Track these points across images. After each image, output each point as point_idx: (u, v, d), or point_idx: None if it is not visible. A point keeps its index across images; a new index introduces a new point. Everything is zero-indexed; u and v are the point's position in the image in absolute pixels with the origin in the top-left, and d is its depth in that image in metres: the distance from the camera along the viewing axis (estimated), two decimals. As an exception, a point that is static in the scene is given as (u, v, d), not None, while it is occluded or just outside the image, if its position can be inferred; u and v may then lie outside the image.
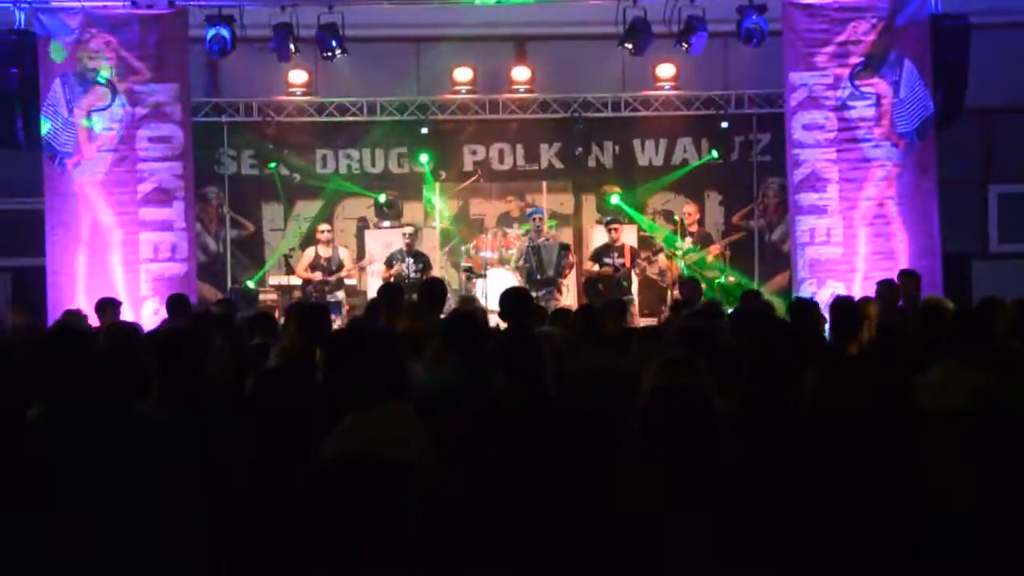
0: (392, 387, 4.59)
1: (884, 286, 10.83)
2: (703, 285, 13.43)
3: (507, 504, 4.14)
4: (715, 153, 15.74)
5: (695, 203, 15.58)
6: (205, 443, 4.42)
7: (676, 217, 15.29)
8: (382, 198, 15.74)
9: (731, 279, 14.91)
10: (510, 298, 7.28)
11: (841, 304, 7.54)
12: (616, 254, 14.44)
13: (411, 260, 14.23)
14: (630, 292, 14.47)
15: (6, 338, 9.05)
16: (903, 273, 11.35)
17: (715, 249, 15.00)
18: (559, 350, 6.60)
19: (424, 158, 15.59)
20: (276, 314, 11.71)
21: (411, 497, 3.03)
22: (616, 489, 3.76)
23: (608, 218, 15.09)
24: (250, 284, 15.10)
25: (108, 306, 10.61)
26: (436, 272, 14.72)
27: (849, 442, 3.82)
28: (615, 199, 15.55)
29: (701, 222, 15.39)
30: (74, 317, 10.09)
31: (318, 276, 14.25)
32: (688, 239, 14.89)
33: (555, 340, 6.91)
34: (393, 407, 4.51)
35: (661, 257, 15.16)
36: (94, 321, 10.35)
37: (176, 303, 10.13)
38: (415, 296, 13.31)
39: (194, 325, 7.68)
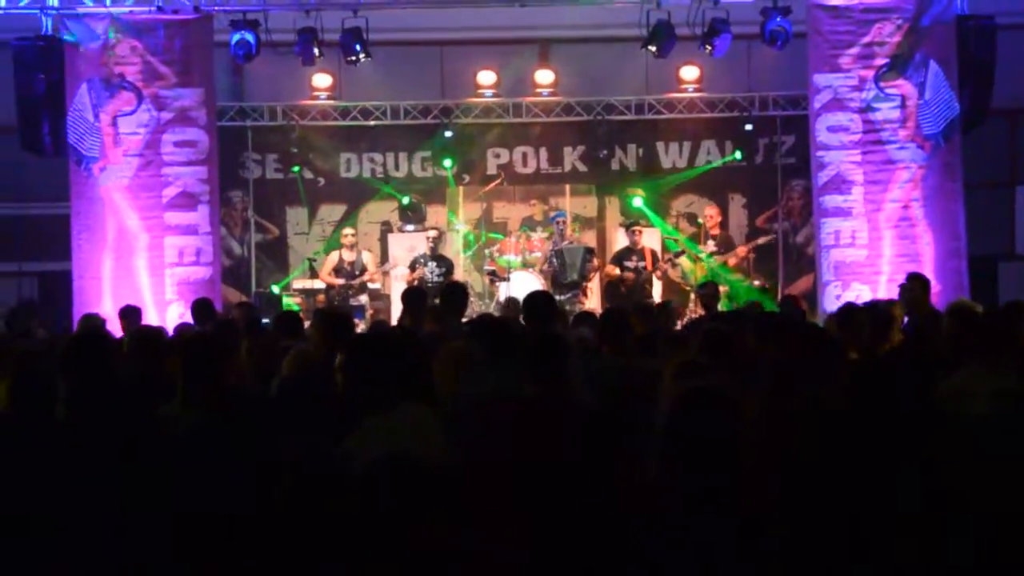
0: (413, 390, 4.67)
1: (905, 289, 10.77)
2: (724, 288, 13.41)
3: (530, 501, 4.17)
4: (739, 154, 15.74)
5: (717, 206, 15.58)
6: (231, 446, 4.43)
7: (699, 220, 15.28)
8: (406, 200, 15.82)
9: (756, 282, 14.89)
10: (535, 301, 7.33)
11: (871, 308, 7.54)
12: (636, 257, 14.44)
13: (434, 264, 14.29)
14: (651, 295, 14.45)
15: (34, 344, 9.10)
16: (910, 277, 11.27)
17: (741, 251, 14.98)
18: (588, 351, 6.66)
19: (447, 163, 15.66)
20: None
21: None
22: (638, 489, 3.77)
23: (629, 221, 15.09)
24: (275, 289, 15.17)
25: (129, 313, 10.67)
26: (459, 275, 14.79)
27: (872, 444, 3.83)
28: (637, 201, 15.57)
29: (723, 225, 15.38)
30: (92, 321, 10.13)
31: (341, 280, 14.36)
32: (710, 242, 14.88)
33: (589, 344, 6.97)
34: (413, 409, 4.58)
35: (684, 260, 15.15)
36: (113, 324, 10.40)
37: (201, 308, 10.19)
38: (438, 300, 13.41)
39: (218, 329, 7.73)
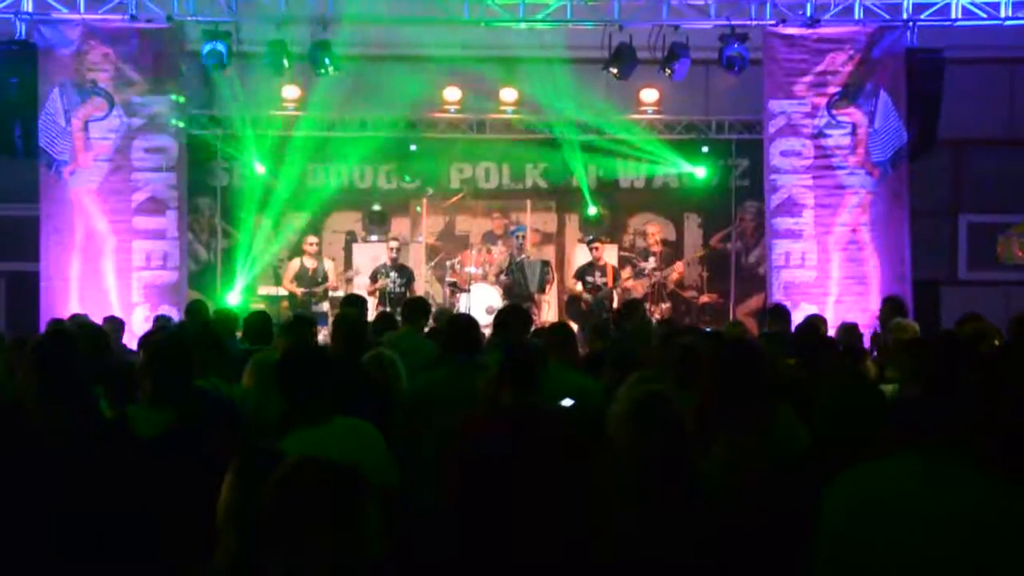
0: (341, 405, 4.76)
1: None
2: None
3: (504, 502, 4.43)
4: (704, 171, 16.02)
5: (669, 223, 15.97)
6: (199, 447, 4.55)
7: (652, 238, 15.57)
8: (376, 207, 16.09)
9: (705, 299, 15.24)
10: (509, 313, 7.53)
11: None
12: (598, 273, 14.72)
13: (395, 274, 14.51)
14: (611, 310, 14.72)
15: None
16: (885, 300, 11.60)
17: (679, 267, 15.27)
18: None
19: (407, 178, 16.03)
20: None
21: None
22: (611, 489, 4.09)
23: (590, 237, 15.39)
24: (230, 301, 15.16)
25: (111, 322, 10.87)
26: (421, 286, 15.04)
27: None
28: (592, 210, 15.92)
29: (671, 242, 15.64)
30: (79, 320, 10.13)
31: (303, 288, 14.55)
32: (652, 259, 15.14)
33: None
34: (341, 423, 4.65)
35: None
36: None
37: (194, 308, 10.34)
38: (399, 309, 13.79)
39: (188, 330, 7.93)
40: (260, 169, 15.76)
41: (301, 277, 14.64)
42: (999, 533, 3.18)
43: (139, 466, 4.42)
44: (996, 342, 6.91)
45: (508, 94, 15.74)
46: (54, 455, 4.41)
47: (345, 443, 4.47)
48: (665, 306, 14.61)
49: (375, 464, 4.43)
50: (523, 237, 15.33)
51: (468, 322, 6.37)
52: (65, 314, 12.05)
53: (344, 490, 2.89)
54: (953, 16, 13.43)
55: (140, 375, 5.22)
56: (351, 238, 16.51)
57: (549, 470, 4.44)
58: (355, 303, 9.42)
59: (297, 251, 15.52)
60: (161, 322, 11.07)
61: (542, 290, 14.84)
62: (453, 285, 15.03)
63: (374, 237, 16.09)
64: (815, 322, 9.45)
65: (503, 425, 4.73)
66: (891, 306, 10.79)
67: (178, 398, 4.93)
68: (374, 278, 14.58)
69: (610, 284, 14.69)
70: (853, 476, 3.42)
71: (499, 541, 4.39)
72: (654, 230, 15.57)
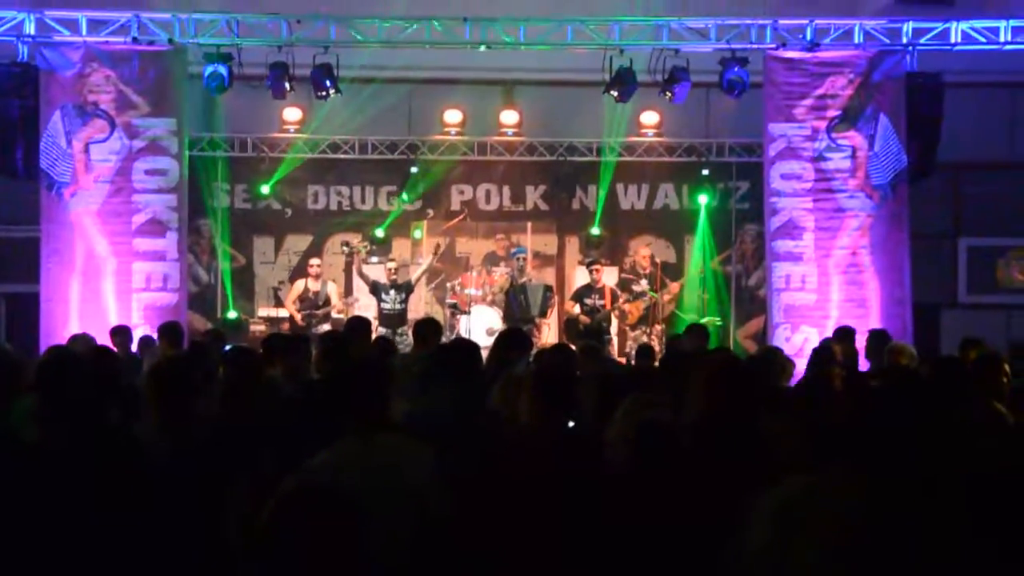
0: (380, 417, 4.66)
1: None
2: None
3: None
4: (707, 197, 16.02)
5: (666, 246, 16.07)
6: (202, 471, 4.54)
7: (655, 260, 15.55)
8: (380, 233, 16.11)
9: (705, 321, 15.22)
10: (511, 337, 7.51)
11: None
12: (596, 295, 14.68)
13: (394, 292, 14.50)
14: (609, 333, 14.72)
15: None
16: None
17: (674, 288, 15.23)
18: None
19: (405, 197, 16.02)
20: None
21: (367, 528, 2.96)
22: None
23: (589, 259, 15.39)
24: (231, 315, 15.31)
25: (121, 332, 10.94)
26: (420, 305, 15.02)
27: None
28: (596, 230, 15.98)
29: (668, 265, 15.63)
30: (86, 341, 10.13)
31: (306, 310, 14.53)
32: (643, 282, 15.10)
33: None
34: (390, 439, 4.50)
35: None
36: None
37: (170, 331, 10.35)
38: (399, 330, 13.76)
39: (192, 353, 7.91)
40: (262, 190, 15.85)
41: (303, 299, 14.63)
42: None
43: (145, 486, 4.41)
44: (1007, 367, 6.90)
45: (509, 116, 15.79)
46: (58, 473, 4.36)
47: (389, 458, 4.34)
48: (659, 327, 14.62)
49: (419, 484, 4.31)
50: (524, 259, 15.31)
51: (464, 346, 6.34)
52: (65, 336, 12.06)
53: (335, 519, 2.90)
54: (953, 40, 13.51)
55: (145, 398, 5.26)
56: (351, 260, 16.48)
57: (583, 492, 4.44)
58: (356, 327, 9.36)
59: (297, 273, 15.53)
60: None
61: (543, 314, 14.79)
62: (453, 307, 15.03)
63: (374, 259, 16.08)
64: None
65: (536, 447, 4.73)
66: (876, 337, 10.70)
67: (180, 423, 4.94)
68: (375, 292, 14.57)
69: (608, 306, 14.65)
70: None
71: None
72: (645, 252, 15.57)
